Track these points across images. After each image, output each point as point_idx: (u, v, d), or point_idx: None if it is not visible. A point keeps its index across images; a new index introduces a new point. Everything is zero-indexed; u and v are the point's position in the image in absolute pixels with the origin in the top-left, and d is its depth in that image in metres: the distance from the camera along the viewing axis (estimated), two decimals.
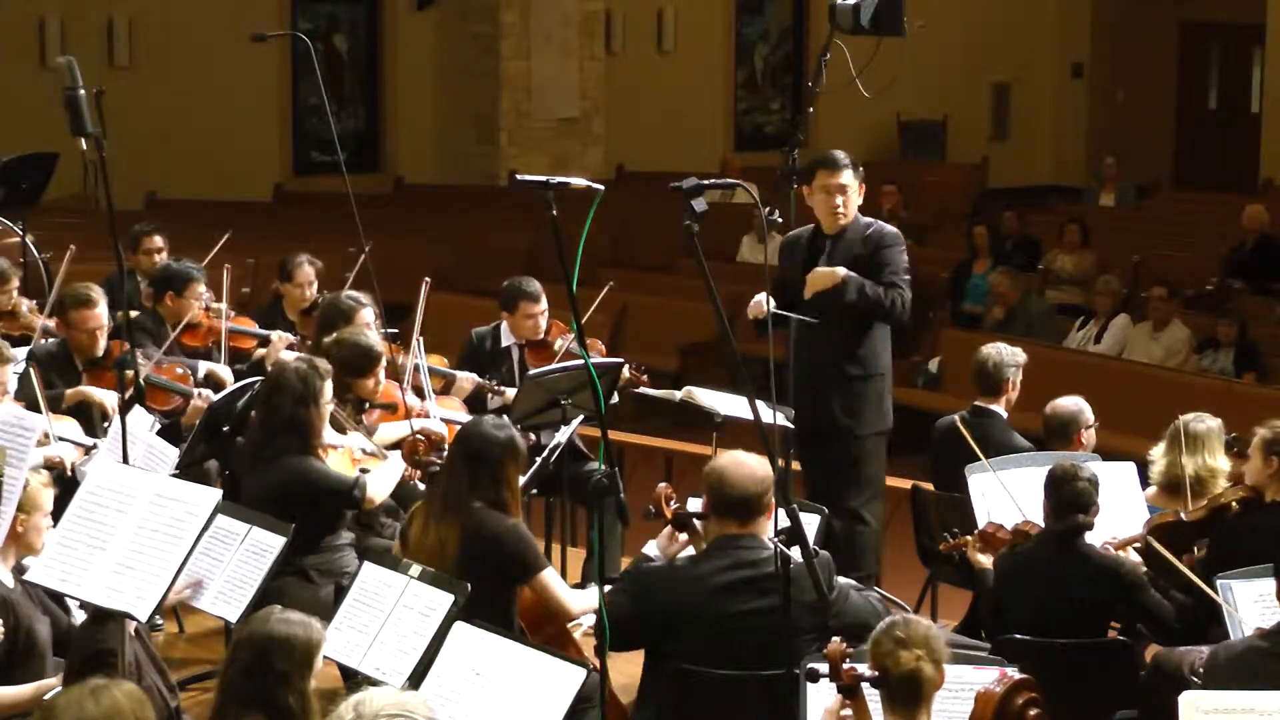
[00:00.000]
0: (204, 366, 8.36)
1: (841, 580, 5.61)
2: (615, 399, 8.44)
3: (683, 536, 5.75)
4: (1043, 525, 6.44)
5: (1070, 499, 6.28)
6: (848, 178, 7.78)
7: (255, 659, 4.67)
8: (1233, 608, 5.81)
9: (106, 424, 7.53)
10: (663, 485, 5.86)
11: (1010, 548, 6.46)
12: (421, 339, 8.17)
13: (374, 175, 19.00)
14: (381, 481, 6.86)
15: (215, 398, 7.74)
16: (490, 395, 8.33)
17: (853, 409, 7.81)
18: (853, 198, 7.80)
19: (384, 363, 7.53)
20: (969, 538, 6.64)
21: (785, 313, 7.65)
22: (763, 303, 7.46)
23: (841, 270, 7.68)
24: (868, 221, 7.88)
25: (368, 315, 8.08)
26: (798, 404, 7.85)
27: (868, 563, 7.88)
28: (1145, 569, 6.44)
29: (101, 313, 8.01)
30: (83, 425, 7.56)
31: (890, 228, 7.98)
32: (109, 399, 7.70)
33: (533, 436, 7.76)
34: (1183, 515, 6.64)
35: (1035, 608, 6.20)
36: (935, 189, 19.56)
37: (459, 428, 6.66)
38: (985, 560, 6.53)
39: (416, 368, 8.02)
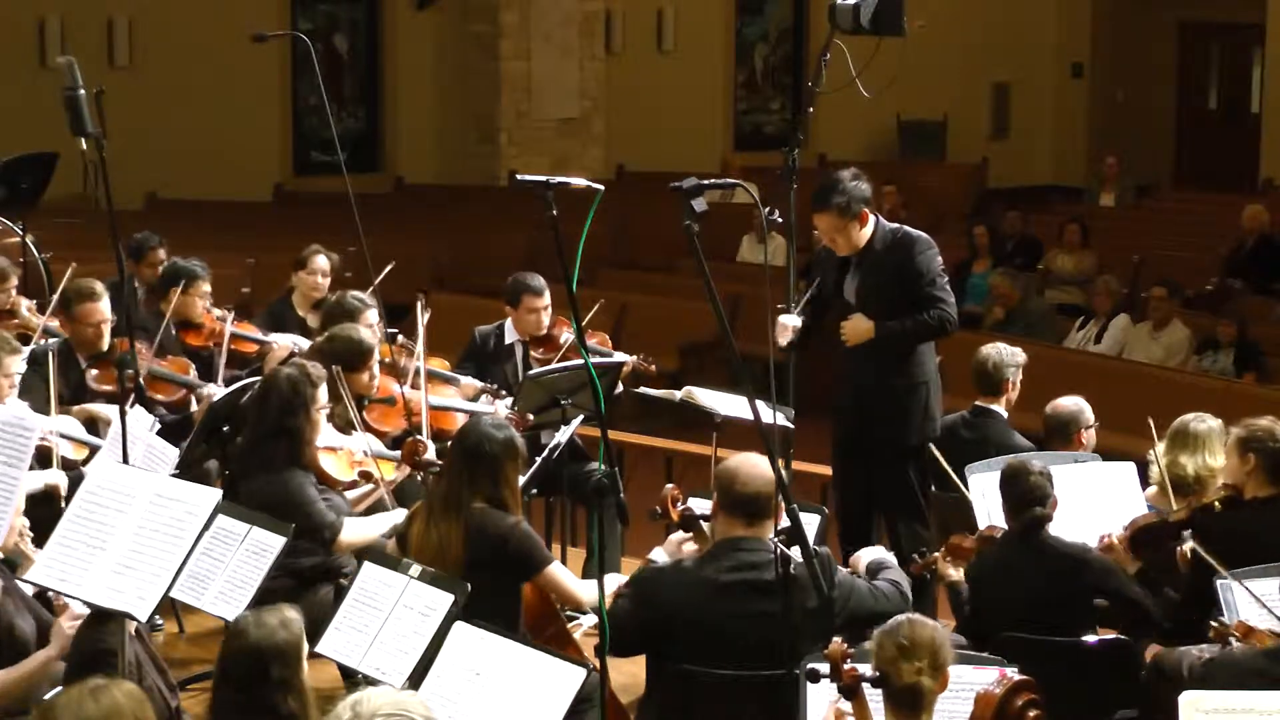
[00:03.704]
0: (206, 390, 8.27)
1: (843, 574, 5.59)
2: (619, 388, 8.45)
3: (690, 547, 5.73)
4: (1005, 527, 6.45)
5: (1024, 494, 6.29)
6: (826, 220, 7.51)
7: (247, 673, 4.65)
8: (1231, 608, 5.81)
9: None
10: (669, 487, 5.84)
11: (977, 554, 6.47)
12: (422, 340, 8.18)
13: (374, 175, 18.99)
14: (360, 529, 6.69)
15: (218, 394, 7.74)
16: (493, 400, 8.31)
17: (896, 420, 7.62)
18: (841, 237, 7.54)
19: (377, 358, 7.52)
20: (936, 555, 6.63)
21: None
22: (789, 327, 7.40)
23: (868, 325, 7.51)
24: (893, 228, 7.70)
25: (372, 316, 8.12)
26: (840, 417, 7.76)
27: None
28: (1142, 566, 6.45)
29: (105, 307, 8.01)
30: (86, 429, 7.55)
31: (918, 232, 7.77)
32: (114, 415, 7.51)
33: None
34: (1167, 516, 6.65)
35: (1010, 607, 6.18)
36: (935, 189, 19.53)
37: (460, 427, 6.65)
38: (955, 573, 6.51)
39: (417, 371, 8.02)
